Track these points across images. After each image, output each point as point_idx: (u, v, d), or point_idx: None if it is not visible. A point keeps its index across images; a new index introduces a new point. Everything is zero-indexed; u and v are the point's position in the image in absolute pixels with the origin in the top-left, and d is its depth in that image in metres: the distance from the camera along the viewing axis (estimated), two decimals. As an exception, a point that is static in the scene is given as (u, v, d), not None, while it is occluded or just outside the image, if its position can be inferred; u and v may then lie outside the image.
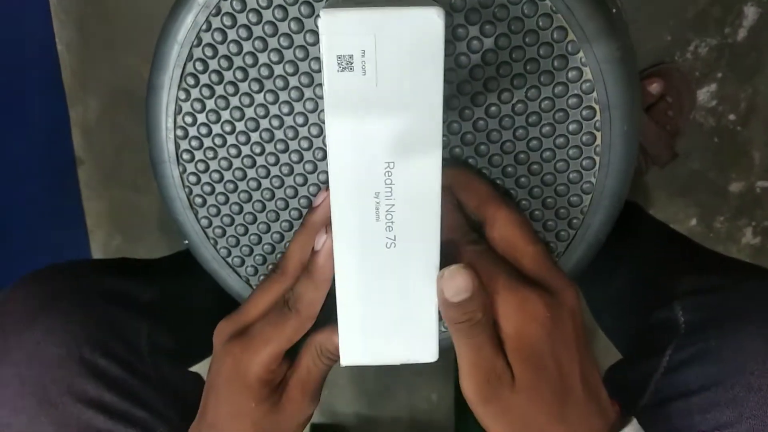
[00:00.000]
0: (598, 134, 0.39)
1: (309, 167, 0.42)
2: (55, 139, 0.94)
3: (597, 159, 0.40)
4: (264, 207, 0.43)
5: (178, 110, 0.41)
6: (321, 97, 0.40)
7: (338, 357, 0.34)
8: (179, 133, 0.42)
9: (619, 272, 0.55)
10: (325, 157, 0.41)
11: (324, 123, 0.40)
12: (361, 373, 1.03)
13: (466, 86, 0.39)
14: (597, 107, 0.39)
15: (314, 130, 0.41)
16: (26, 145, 0.90)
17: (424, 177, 0.30)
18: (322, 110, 0.40)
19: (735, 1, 0.82)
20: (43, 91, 0.92)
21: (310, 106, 0.40)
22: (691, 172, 0.89)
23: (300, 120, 0.40)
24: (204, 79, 0.40)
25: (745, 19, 0.83)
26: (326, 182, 0.42)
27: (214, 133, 0.41)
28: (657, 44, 0.84)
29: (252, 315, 0.36)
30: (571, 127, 0.39)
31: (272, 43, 0.39)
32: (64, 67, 0.91)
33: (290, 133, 0.41)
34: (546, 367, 0.30)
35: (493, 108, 0.39)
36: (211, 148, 0.42)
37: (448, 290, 0.30)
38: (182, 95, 0.41)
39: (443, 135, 0.30)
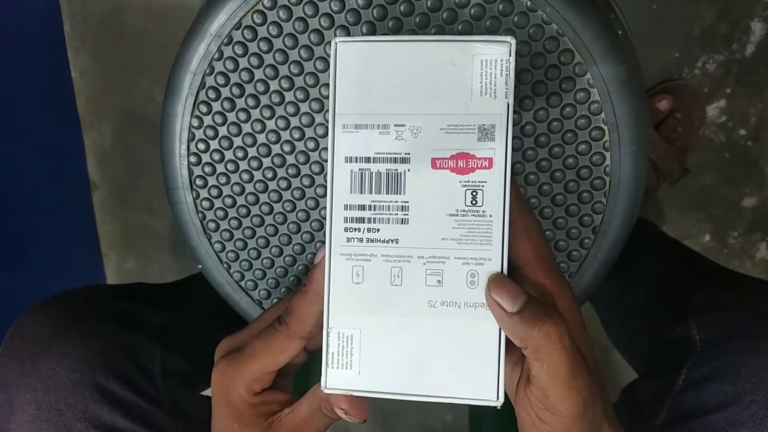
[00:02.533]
0: (608, 154, 0.39)
1: (320, 191, 0.42)
2: (69, 164, 0.95)
3: (607, 179, 0.40)
4: (276, 231, 0.43)
5: (191, 137, 0.42)
6: (331, 122, 0.40)
7: (338, 419, 0.33)
8: (192, 159, 0.42)
9: (632, 290, 0.55)
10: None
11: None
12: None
13: (475, 109, 0.39)
14: (605, 128, 0.39)
15: (325, 155, 0.41)
16: (41, 170, 0.91)
17: None
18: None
19: (741, 16, 0.82)
20: (58, 118, 0.93)
21: (320, 131, 0.41)
22: (703, 187, 0.89)
23: (311, 145, 0.41)
24: (216, 106, 0.41)
25: (753, 35, 0.83)
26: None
27: (226, 159, 0.42)
28: (665, 61, 0.84)
29: (251, 333, 0.34)
30: (581, 147, 0.39)
31: (283, 70, 0.39)
32: (78, 94, 0.92)
33: (301, 158, 0.41)
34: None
35: (501, 130, 0.39)
36: (223, 173, 0.42)
37: (504, 300, 0.27)
38: (195, 122, 0.41)
39: None
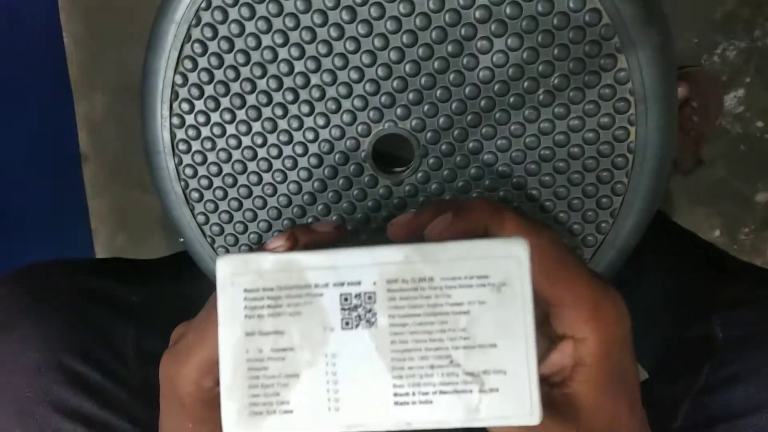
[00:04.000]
0: (632, 129, 0.36)
1: (314, 161, 0.38)
2: (59, 134, 0.91)
3: (630, 157, 0.36)
4: (265, 203, 0.40)
5: (174, 96, 0.38)
6: (328, 84, 0.36)
7: None
8: (175, 121, 0.39)
9: (643, 283, 0.51)
10: (331, 150, 0.38)
11: (330, 113, 0.37)
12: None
13: (487, 73, 0.35)
14: (632, 99, 0.35)
15: (320, 120, 0.37)
16: (30, 140, 0.88)
17: None
18: (329, 98, 0.37)
19: (765, 2, 0.78)
20: (49, 86, 0.89)
21: (316, 93, 0.37)
22: (715, 180, 0.85)
23: (305, 109, 0.37)
24: (203, 62, 0.37)
25: (777, 22, 0.79)
26: (330, 177, 0.39)
27: (212, 121, 0.38)
28: (683, 46, 0.80)
29: (200, 318, 0.28)
30: (603, 120, 0.36)
31: (276, 23, 0.36)
32: (71, 61, 0.88)
33: (294, 123, 0.38)
34: None
35: (515, 98, 0.36)
36: (209, 138, 0.39)
37: None
38: (179, 80, 0.38)
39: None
